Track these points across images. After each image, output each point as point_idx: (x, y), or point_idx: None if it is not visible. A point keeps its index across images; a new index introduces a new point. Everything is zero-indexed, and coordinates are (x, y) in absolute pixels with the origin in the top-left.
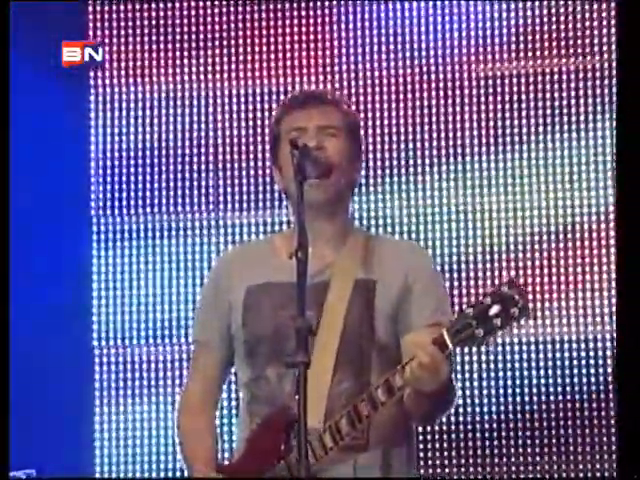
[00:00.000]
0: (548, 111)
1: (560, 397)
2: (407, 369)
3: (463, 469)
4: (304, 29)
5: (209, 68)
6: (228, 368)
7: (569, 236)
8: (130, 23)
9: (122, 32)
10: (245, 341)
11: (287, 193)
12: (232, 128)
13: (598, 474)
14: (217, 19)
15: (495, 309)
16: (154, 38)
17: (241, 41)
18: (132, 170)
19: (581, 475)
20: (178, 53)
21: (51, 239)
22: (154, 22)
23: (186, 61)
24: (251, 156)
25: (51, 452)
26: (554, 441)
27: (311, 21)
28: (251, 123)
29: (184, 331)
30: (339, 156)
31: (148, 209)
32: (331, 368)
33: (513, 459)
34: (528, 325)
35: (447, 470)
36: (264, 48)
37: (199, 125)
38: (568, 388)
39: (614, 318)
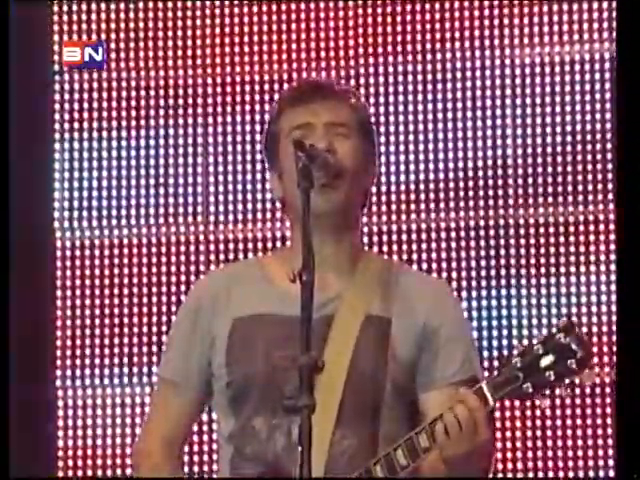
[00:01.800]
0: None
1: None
2: (438, 426)
3: None
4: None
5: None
6: (198, 415)
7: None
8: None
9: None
10: (228, 384)
11: (286, 203)
12: (225, 124)
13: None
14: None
15: (548, 360)
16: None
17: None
18: (99, 176)
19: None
20: (161, 43)
21: None
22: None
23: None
24: (248, 158)
25: None
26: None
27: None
28: (248, 117)
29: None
30: (352, 160)
31: (123, 222)
32: (332, 421)
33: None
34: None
35: None
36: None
37: (185, 120)
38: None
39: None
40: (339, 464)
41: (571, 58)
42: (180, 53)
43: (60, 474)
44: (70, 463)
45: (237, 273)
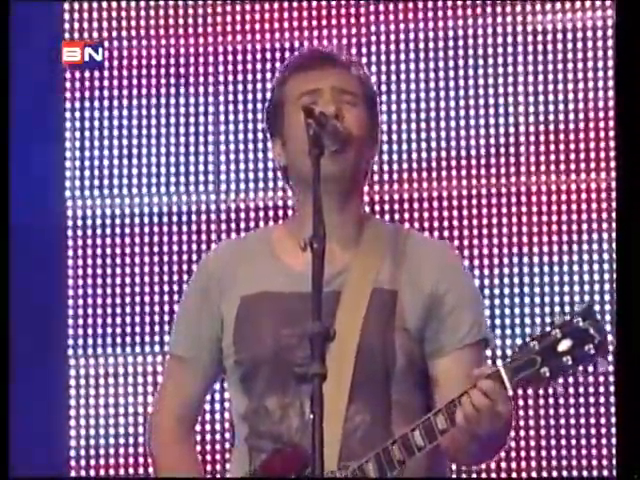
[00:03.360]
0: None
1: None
2: (458, 412)
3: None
4: None
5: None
6: (210, 389)
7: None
8: None
9: None
10: (237, 362)
11: (290, 171)
12: (236, 92)
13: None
14: None
15: (566, 344)
16: None
17: None
18: (110, 145)
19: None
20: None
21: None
22: None
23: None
24: (259, 127)
25: None
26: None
27: None
28: (259, 86)
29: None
30: (359, 128)
31: (134, 191)
32: (345, 397)
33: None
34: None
35: None
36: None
37: (196, 89)
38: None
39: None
40: (354, 439)
41: (573, 25)
42: (191, 21)
43: (72, 443)
44: (82, 432)
45: (244, 249)
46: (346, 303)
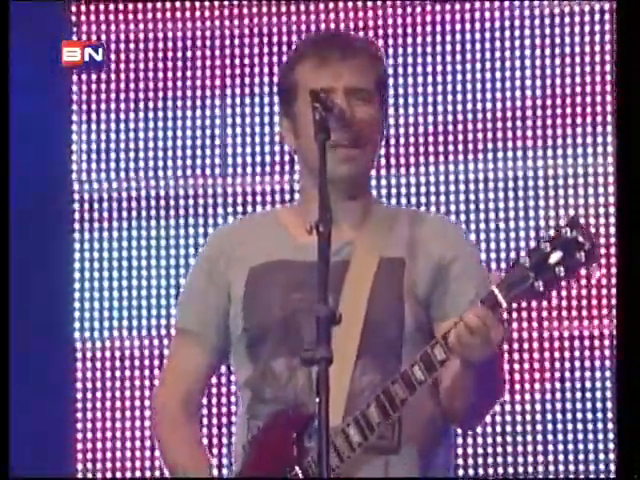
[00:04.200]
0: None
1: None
2: (452, 335)
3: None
4: None
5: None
6: (218, 366)
7: None
8: None
9: None
10: (245, 329)
11: (298, 155)
12: (243, 75)
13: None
14: None
15: (556, 256)
16: None
17: None
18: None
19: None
20: None
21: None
22: None
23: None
24: (266, 110)
25: None
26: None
27: None
28: (266, 70)
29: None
30: (371, 127)
31: (141, 174)
32: (353, 358)
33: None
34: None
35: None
36: None
37: (203, 72)
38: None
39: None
40: (360, 399)
41: (571, 10)
42: (197, 4)
43: (79, 426)
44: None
45: (252, 223)
46: (354, 271)
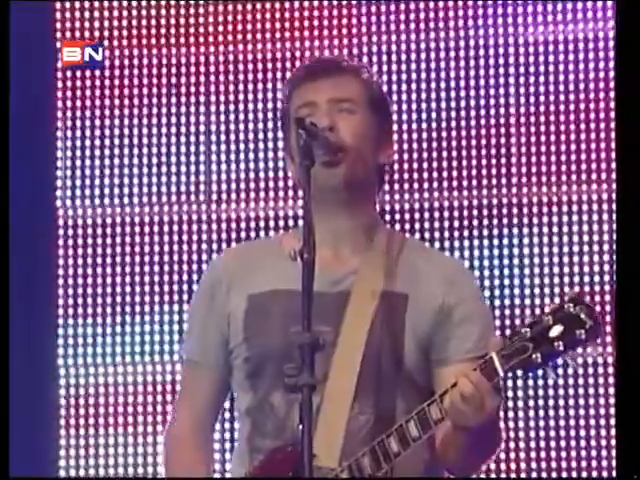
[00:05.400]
0: None
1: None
2: (446, 399)
3: None
4: None
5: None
6: (225, 392)
7: None
8: None
9: None
10: (246, 359)
11: (297, 181)
12: (228, 102)
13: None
14: None
15: (557, 330)
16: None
17: None
18: (102, 155)
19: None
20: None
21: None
22: None
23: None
24: (250, 137)
25: None
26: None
27: None
28: (250, 97)
29: (168, 348)
30: (355, 137)
31: (125, 200)
32: (350, 396)
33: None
34: None
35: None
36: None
37: (187, 98)
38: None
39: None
40: (356, 439)
41: (575, 36)
42: (182, 31)
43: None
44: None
45: (253, 250)
46: (355, 303)
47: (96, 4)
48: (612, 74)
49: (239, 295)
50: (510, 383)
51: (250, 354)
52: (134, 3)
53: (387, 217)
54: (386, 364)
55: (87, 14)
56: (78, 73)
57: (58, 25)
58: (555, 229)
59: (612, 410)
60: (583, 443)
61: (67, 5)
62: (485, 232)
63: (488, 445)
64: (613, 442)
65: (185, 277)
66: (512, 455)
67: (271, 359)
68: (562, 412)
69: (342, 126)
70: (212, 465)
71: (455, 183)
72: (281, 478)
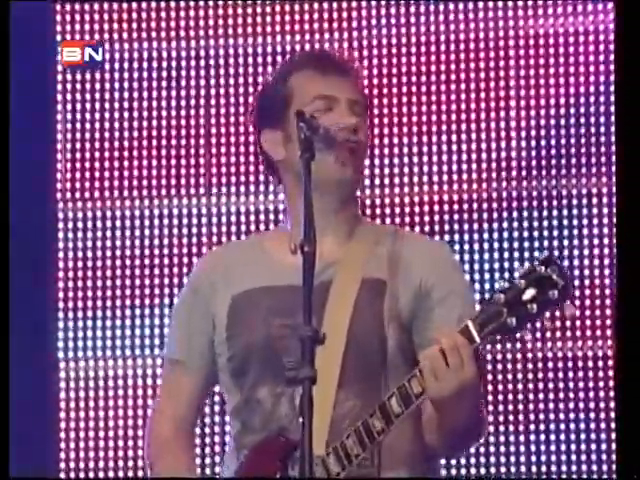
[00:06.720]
0: None
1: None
2: (426, 365)
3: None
4: None
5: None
6: (207, 393)
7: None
8: None
9: None
10: (230, 358)
11: (287, 167)
12: (228, 95)
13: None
14: None
15: (530, 293)
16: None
17: None
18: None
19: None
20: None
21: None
22: None
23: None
24: (250, 130)
25: None
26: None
27: None
28: (251, 89)
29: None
30: (365, 137)
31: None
32: (334, 384)
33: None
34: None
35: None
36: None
37: (187, 91)
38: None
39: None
40: (343, 426)
41: (575, 29)
42: (182, 24)
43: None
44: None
45: (236, 251)
46: (336, 292)
47: (96, 4)
48: (612, 67)
49: (222, 297)
50: (510, 377)
51: (233, 352)
52: (134, 3)
53: (387, 211)
54: (370, 350)
55: (87, 14)
56: (78, 75)
57: (58, 25)
58: (555, 222)
59: (612, 409)
60: (583, 442)
61: (67, 5)
62: (485, 225)
63: (470, 425)
64: (613, 436)
65: (185, 270)
66: (512, 454)
67: (254, 354)
68: (562, 411)
69: (358, 123)
70: (195, 465)
71: (455, 177)
72: (280, 478)
